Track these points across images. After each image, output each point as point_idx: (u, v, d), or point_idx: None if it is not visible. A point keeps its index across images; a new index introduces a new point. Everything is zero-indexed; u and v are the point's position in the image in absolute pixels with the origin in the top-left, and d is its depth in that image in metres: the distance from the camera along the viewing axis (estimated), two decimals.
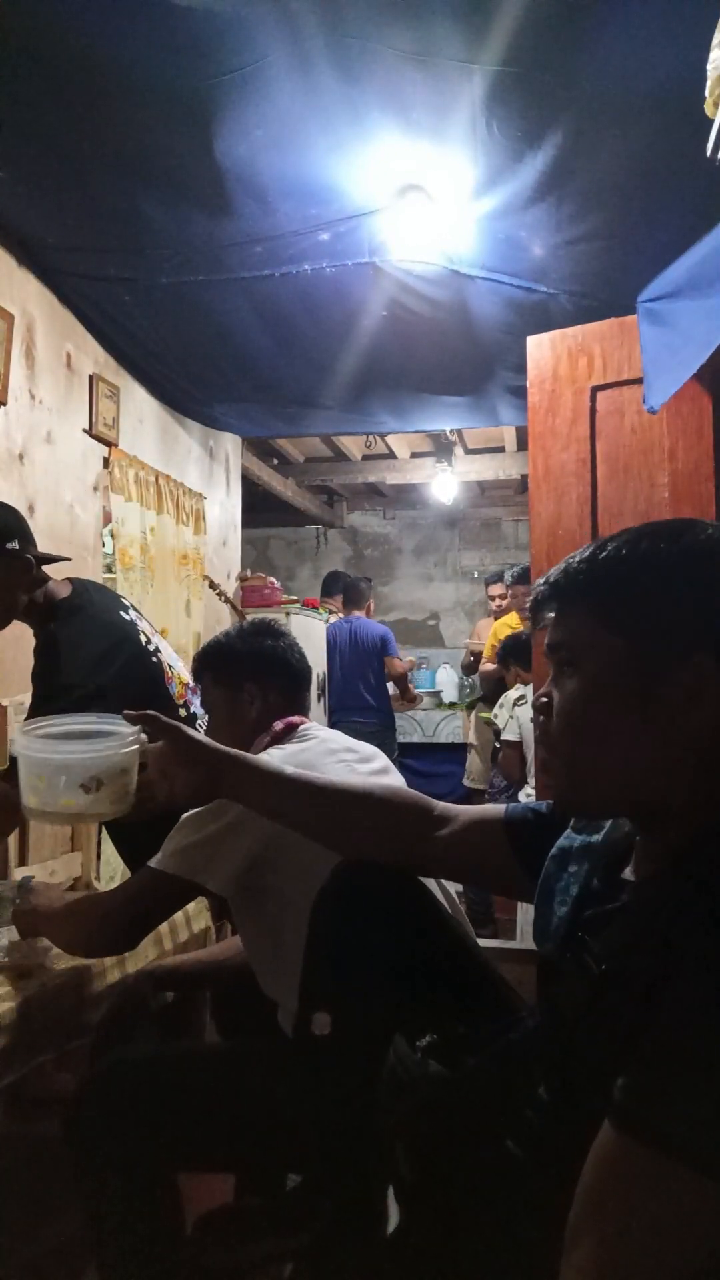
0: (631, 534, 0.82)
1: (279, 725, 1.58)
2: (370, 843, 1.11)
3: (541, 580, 0.86)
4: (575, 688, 0.81)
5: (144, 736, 1.25)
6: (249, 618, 1.86)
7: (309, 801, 1.14)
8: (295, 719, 1.60)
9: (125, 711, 1.24)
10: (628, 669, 0.78)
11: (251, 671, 1.62)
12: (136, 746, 1.27)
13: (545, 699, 0.85)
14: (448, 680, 6.77)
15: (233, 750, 1.18)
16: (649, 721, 0.76)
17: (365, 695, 5.20)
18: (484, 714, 5.12)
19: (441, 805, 1.14)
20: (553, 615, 0.84)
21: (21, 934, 1.54)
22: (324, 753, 1.52)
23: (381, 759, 1.60)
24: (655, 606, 0.78)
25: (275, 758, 1.47)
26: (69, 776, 1.22)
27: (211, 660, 1.66)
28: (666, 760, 0.77)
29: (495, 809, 1.09)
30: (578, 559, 0.84)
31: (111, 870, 2.90)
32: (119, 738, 1.26)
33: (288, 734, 1.57)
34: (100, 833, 2.89)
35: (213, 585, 3.71)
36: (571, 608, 0.82)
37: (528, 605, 0.89)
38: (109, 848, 2.94)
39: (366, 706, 5.18)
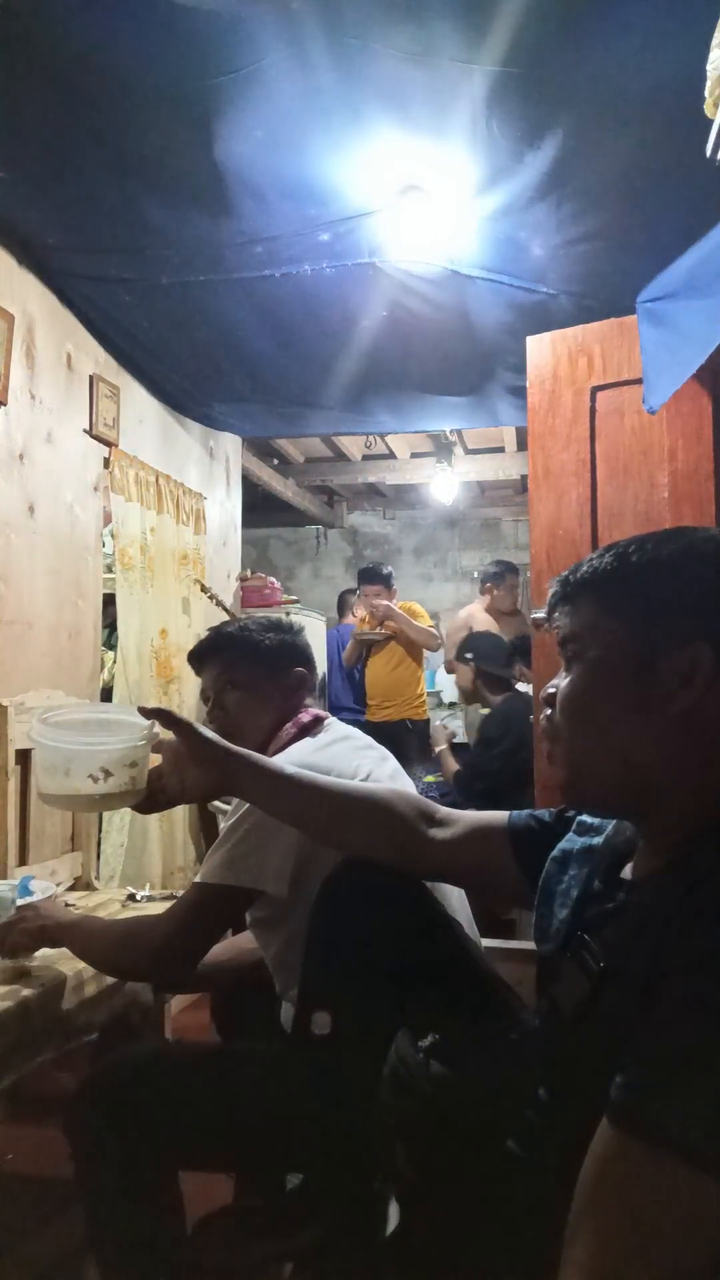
0: (638, 537, 0.85)
1: (305, 717, 1.57)
2: (374, 844, 1.12)
3: (554, 582, 0.88)
4: (577, 673, 0.84)
5: (156, 732, 1.28)
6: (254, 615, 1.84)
7: (316, 802, 1.15)
8: (320, 712, 1.60)
9: (139, 706, 1.28)
10: (626, 651, 0.80)
11: (293, 662, 1.62)
12: (146, 741, 1.30)
13: (552, 691, 0.86)
14: (447, 680, 6.77)
15: (242, 749, 1.20)
16: (643, 703, 0.78)
17: None
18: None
19: (444, 810, 1.14)
20: (565, 614, 0.86)
21: (13, 950, 1.49)
22: (351, 749, 1.52)
23: (392, 759, 1.60)
24: (656, 595, 0.80)
25: (309, 748, 1.47)
26: (78, 766, 1.27)
27: (240, 649, 1.62)
28: (659, 742, 0.78)
29: (499, 816, 1.09)
30: (588, 561, 0.86)
31: (111, 870, 2.90)
32: (130, 731, 1.30)
33: (314, 726, 1.57)
34: (100, 833, 2.89)
35: (204, 589, 3.69)
36: (580, 602, 0.85)
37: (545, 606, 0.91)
38: (108, 848, 2.94)
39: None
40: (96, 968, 1.46)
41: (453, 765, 3.96)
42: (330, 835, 1.17)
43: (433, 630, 5.10)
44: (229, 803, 1.59)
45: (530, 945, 0.96)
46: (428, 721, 5.18)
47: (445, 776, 4.07)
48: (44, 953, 1.58)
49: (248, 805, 1.38)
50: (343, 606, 6.01)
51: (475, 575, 7.87)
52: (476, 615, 5.14)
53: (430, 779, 4.49)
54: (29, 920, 1.50)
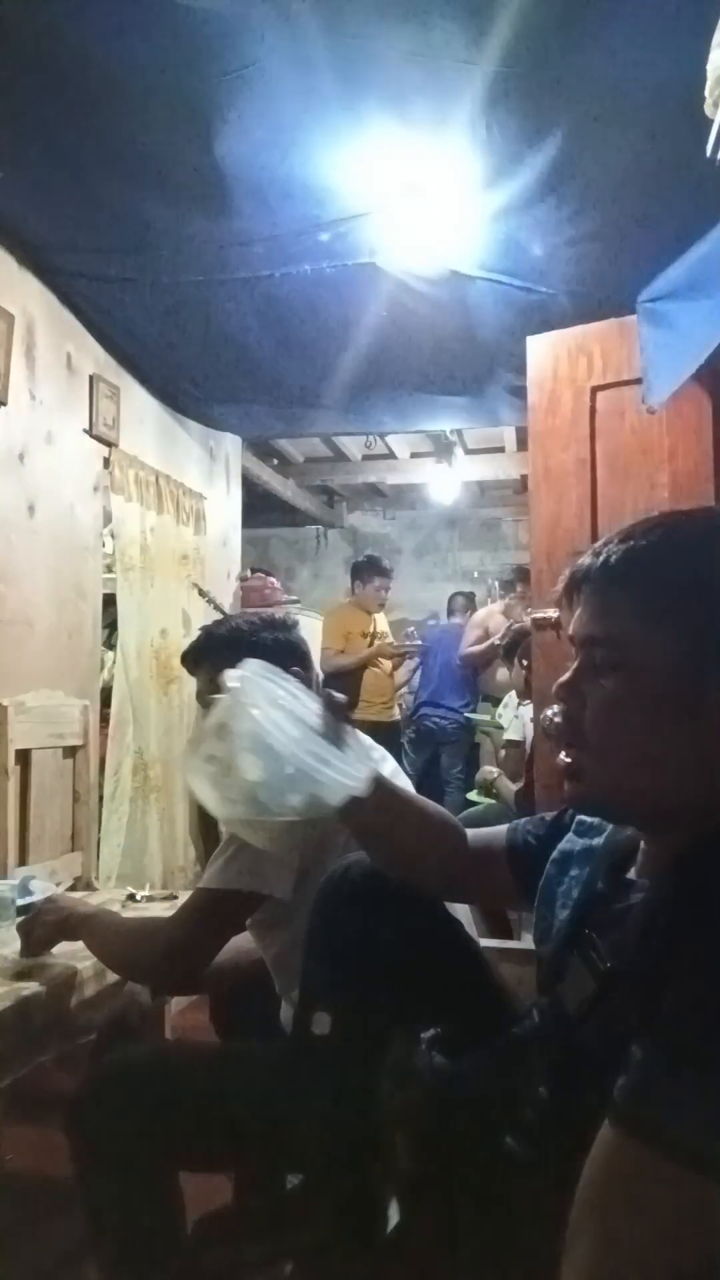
0: (674, 524, 0.78)
1: None
2: (423, 860, 1.06)
3: (576, 566, 0.80)
4: (620, 690, 0.75)
5: None
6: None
7: (398, 810, 1.07)
8: None
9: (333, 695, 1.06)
10: (680, 674, 0.73)
11: (288, 661, 1.60)
12: None
13: (570, 685, 0.79)
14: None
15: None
16: (699, 727, 0.73)
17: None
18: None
19: (465, 830, 1.11)
20: (589, 604, 0.78)
21: (35, 947, 1.50)
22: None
23: (391, 760, 1.60)
24: (708, 609, 0.73)
25: None
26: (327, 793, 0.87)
27: (233, 650, 1.52)
28: (702, 761, 0.74)
29: (497, 833, 1.07)
30: (617, 547, 0.77)
31: (111, 870, 2.90)
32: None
33: None
34: (100, 833, 2.89)
35: (202, 593, 3.69)
36: (614, 601, 0.76)
37: (559, 588, 0.83)
38: (108, 848, 2.94)
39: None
40: (104, 963, 1.47)
41: (511, 785, 3.79)
42: (387, 846, 1.07)
43: None
44: None
45: (530, 945, 0.96)
46: (396, 723, 5.23)
47: (504, 789, 3.88)
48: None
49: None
50: (453, 609, 6.23)
51: (475, 574, 7.90)
52: (495, 616, 5.22)
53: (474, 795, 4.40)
54: (50, 913, 1.52)
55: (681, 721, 0.73)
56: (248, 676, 0.90)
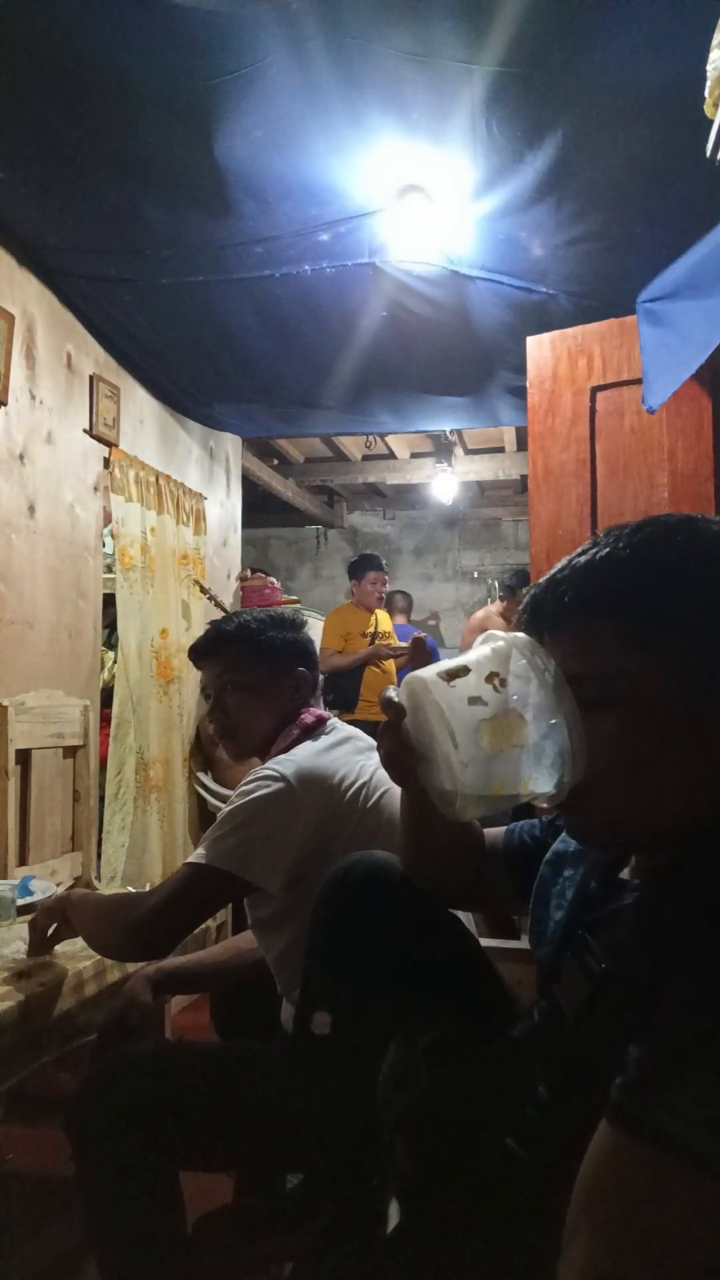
0: (643, 536, 0.75)
1: (308, 718, 1.56)
2: (452, 865, 1.05)
3: (538, 590, 0.77)
4: (617, 727, 0.72)
5: None
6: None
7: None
8: (322, 713, 1.60)
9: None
10: (673, 699, 0.71)
11: (295, 661, 1.60)
12: None
13: None
14: None
15: None
16: (699, 750, 0.71)
17: None
18: None
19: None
20: (564, 636, 0.75)
21: (39, 942, 1.51)
22: (354, 751, 1.51)
23: None
24: (698, 625, 0.71)
25: (312, 751, 1.47)
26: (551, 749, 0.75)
27: (241, 647, 1.59)
28: (710, 785, 0.72)
29: (495, 836, 1.07)
30: (582, 566, 0.74)
31: (113, 870, 2.90)
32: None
33: (317, 727, 1.56)
34: (100, 832, 2.89)
35: (203, 590, 3.70)
36: (595, 632, 0.73)
37: (521, 616, 0.80)
38: (109, 848, 2.94)
39: None
40: (84, 938, 1.47)
41: None
42: (426, 845, 1.03)
43: None
44: (226, 798, 1.59)
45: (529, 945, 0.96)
46: None
47: None
48: None
49: (254, 796, 1.38)
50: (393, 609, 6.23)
51: (475, 574, 7.90)
52: (493, 618, 5.21)
53: None
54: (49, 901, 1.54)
55: (683, 746, 0.72)
56: (525, 638, 0.77)
